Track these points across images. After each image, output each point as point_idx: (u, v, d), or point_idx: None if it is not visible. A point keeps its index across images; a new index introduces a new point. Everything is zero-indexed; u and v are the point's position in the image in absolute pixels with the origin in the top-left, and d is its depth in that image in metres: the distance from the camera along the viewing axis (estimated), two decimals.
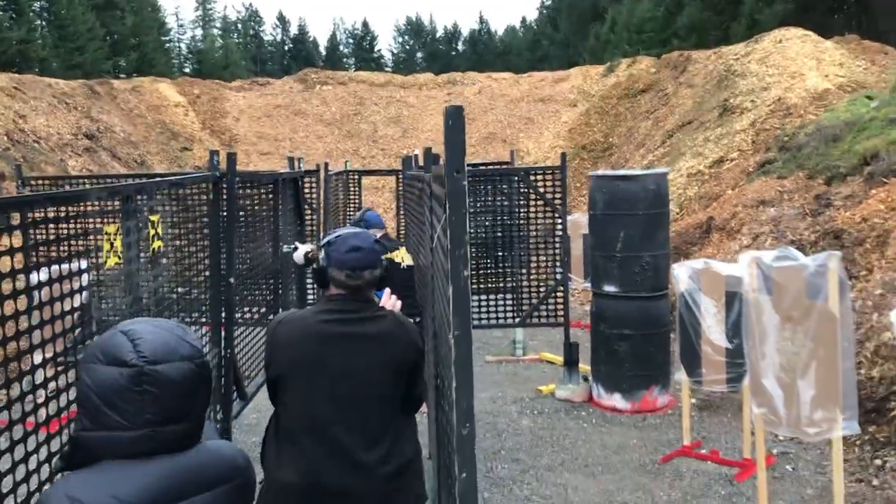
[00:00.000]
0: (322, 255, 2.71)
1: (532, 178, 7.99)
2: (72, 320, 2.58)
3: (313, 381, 2.59)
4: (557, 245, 7.90)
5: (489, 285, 8.46)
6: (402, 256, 5.42)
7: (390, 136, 22.93)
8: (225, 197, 4.42)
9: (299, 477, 2.55)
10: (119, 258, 2.80)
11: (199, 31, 67.63)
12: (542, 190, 7.82)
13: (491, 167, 11.05)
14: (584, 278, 9.58)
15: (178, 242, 3.79)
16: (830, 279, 3.90)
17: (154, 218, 3.31)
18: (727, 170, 13.42)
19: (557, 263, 7.92)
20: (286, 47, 72.23)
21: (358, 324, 2.64)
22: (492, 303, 8.01)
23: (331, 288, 2.70)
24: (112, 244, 2.74)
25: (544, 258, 8.10)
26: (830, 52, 16.79)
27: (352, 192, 12.03)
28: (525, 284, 8.28)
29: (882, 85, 14.09)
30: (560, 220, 7.82)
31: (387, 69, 56.47)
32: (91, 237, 2.74)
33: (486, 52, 65.89)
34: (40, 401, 2.48)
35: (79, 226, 2.71)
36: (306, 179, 8.72)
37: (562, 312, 7.80)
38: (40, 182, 8.34)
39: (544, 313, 8.01)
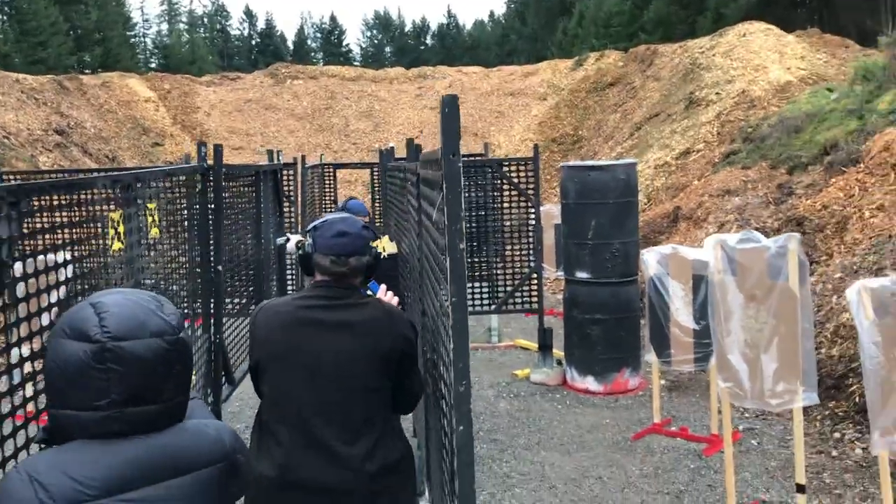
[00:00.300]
0: (308, 240, 2.58)
1: (506, 168, 8.21)
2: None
3: (290, 369, 2.45)
4: (531, 234, 8.13)
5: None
6: (384, 245, 5.57)
7: (362, 130, 23.03)
8: (212, 187, 4.59)
9: (275, 470, 2.42)
10: (122, 243, 2.95)
11: (164, 26, 67.02)
12: (515, 181, 8.04)
13: (465, 158, 11.22)
14: (556, 268, 9.78)
15: (171, 230, 3.93)
16: (790, 260, 4.15)
17: (151, 206, 3.45)
18: (693, 161, 13.75)
19: (531, 252, 8.15)
20: (253, 42, 71.75)
21: (341, 310, 2.48)
22: (467, 291, 8.18)
23: (316, 275, 2.57)
24: (116, 230, 2.88)
25: (518, 247, 8.31)
26: (793, 46, 17.25)
27: (327, 186, 12.17)
28: (500, 273, 8.46)
29: (842, 77, 14.51)
30: (533, 210, 8.05)
31: (355, 63, 56.27)
32: (92, 225, 2.87)
33: (454, 46, 66.06)
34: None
35: (81, 214, 2.83)
36: (284, 172, 8.83)
37: (536, 300, 8.04)
38: (12, 178, 8.23)
39: (519, 301, 8.23)
